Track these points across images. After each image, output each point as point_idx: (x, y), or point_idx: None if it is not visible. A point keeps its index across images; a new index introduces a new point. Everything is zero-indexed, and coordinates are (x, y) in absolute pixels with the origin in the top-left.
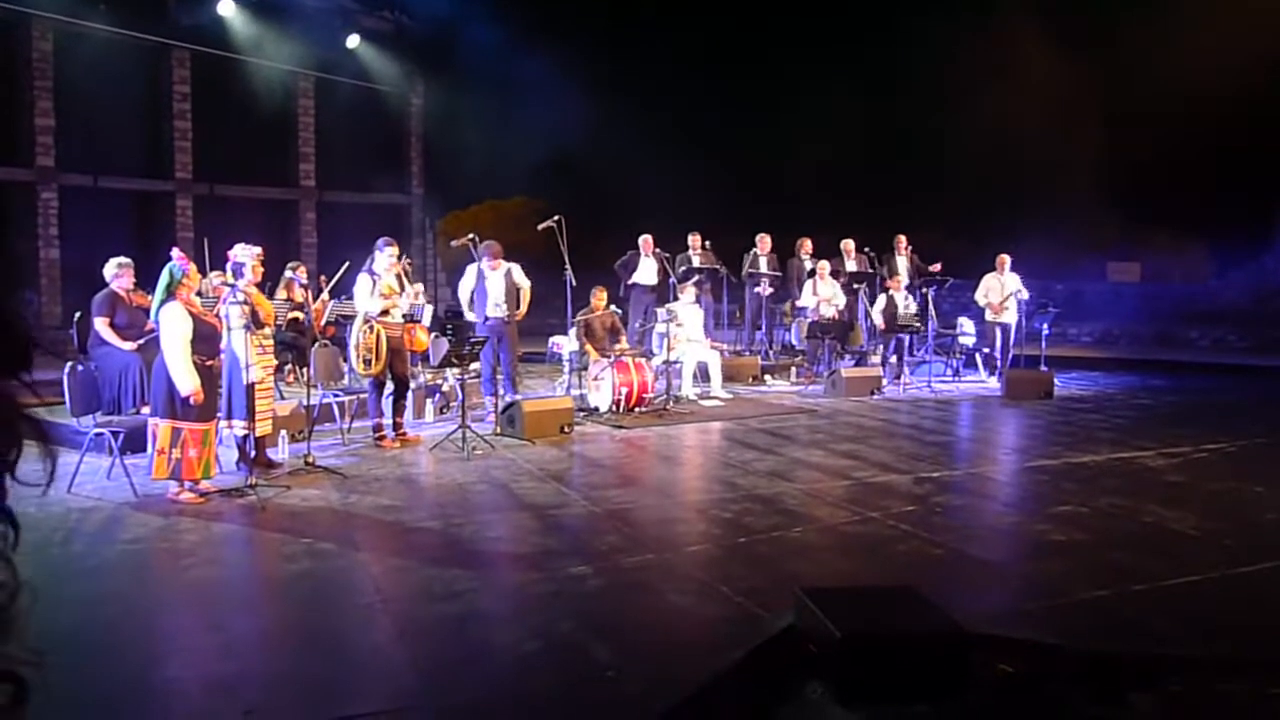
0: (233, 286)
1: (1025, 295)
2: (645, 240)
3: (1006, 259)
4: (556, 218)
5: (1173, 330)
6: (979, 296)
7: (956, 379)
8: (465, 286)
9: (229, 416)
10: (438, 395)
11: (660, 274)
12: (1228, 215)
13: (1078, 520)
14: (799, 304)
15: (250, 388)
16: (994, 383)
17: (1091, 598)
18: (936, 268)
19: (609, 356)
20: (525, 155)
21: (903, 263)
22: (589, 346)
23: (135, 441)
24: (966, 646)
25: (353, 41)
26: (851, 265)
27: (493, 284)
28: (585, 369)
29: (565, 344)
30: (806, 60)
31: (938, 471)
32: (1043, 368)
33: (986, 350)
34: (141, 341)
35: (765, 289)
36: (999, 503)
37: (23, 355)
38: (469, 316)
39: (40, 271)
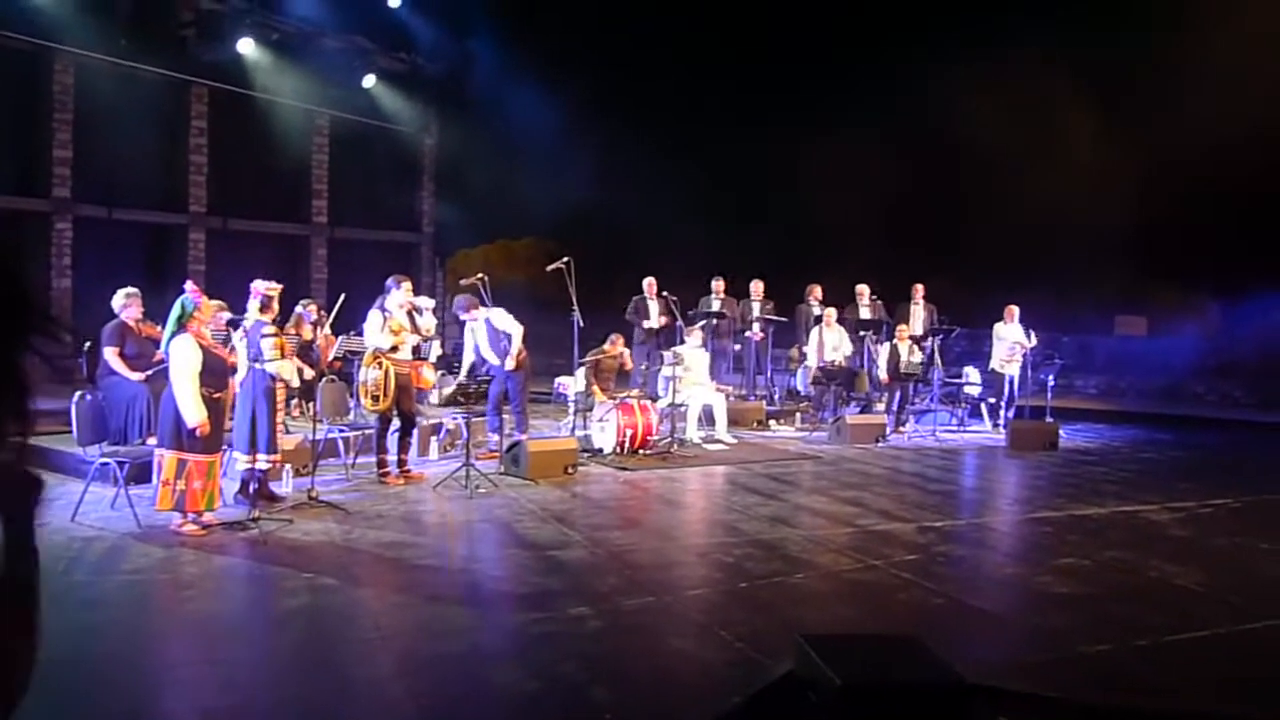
0: (238, 319)
1: (1032, 344)
2: (649, 283)
3: (1015, 310)
4: (565, 259)
5: (1179, 384)
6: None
7: (961, 428)
8: (467, 356)
9: (251, 450)
10: (443, 433)
11: (664, 317)
12: (1236, 270)
13: (1081, 573)
14: (804, 349)
15: (272, 416)
16: (999, 433)
17: (1094, 651)
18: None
19: (615, 399)
20: (537, 196)
21: (918, 311)
22: (595, 387)
23: (140, 472)
24: (967, 697)
25: (368, 81)
26: (865, 311)
27: (478, 334)
28: (590, 409)
29: (571, 384)
30: (825, 109)
31: (941, 521)
32: (1048, 419)
33: (992, 400)
34: (150, 372)
35: (758, 334)
36: (1002, 553)
37: (33, 321)
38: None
39: (52, 301)
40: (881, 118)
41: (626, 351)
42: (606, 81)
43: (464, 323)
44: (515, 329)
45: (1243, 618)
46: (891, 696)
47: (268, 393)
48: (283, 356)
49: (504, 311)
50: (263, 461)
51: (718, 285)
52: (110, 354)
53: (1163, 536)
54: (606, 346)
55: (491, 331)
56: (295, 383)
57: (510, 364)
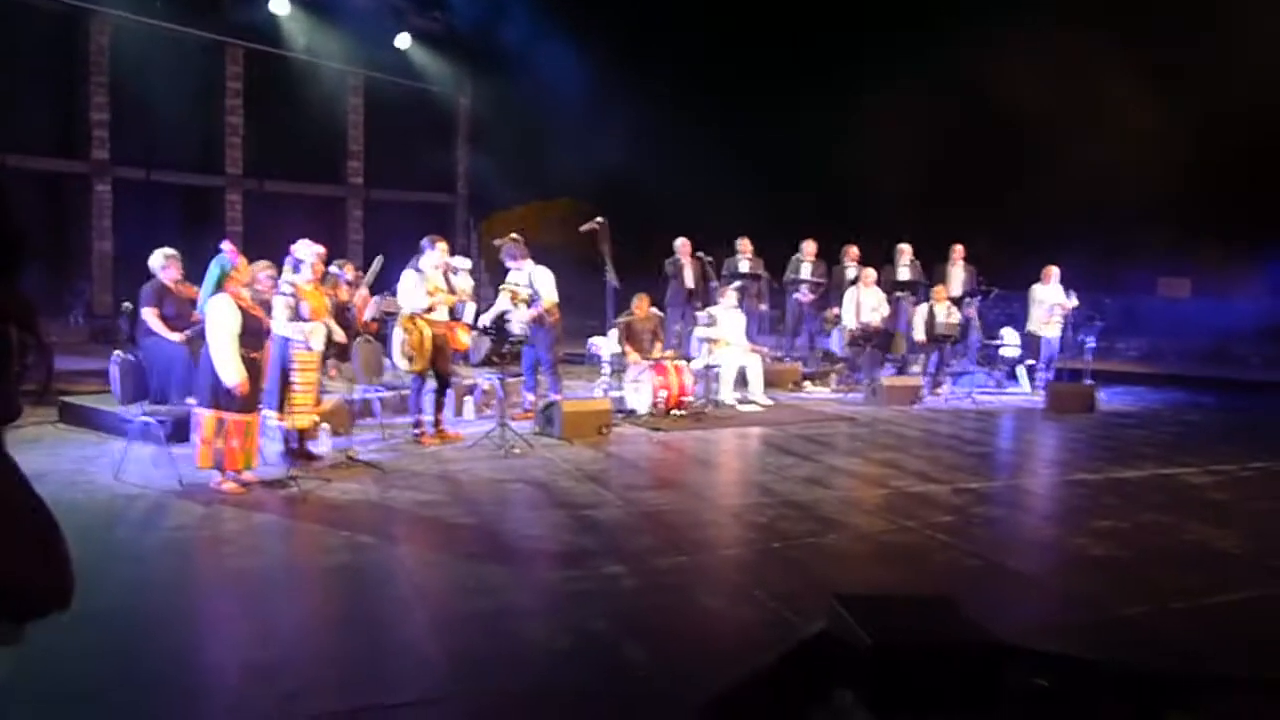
0: (276, 279)
1: (1073, 304)
2: (683, 244)
3: (1054, 270)
4: (600, 220)
5: (1223, 347)
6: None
7: (999, 390)
8: (498, 305)
9: (281, 409)
10: (478, 393)
11: (699, 278)
12: None
13: (1118, 536)
14: (839, 312)
15: (285, 379)
16: (1037, 395)
17: (1130, 614)
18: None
19: (649, 359)
20: (571, 157)
21: (956, 273)
22: (629, 349)
23: (180, 431)
24: (1000, 658)
25: (403, 41)
26: (905, 272)
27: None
28: (624, 371)
29: (604, 345)
30: (863, 68)
31: (976, 482)
32: (1087, 381)
33: (1030, 362)
34: (189, 333)
35: (806, 295)
36: (1038, 516)
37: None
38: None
39: (92, 263)
40: (919, 77)
41: (656, 311)
42: (641, 40)
43: (507, 270)
44: (552, 296)
45: None
46: (924, 657)
47: (286, 354)
48: (309, 319)
49: (548, 273)
50: (274, 419)
51: (743, 244)
52: (150, 314)
53: (1201, 500)
54: (634, 308)
55: (529, 285)
56: (316, 346)
57: (527, 317)
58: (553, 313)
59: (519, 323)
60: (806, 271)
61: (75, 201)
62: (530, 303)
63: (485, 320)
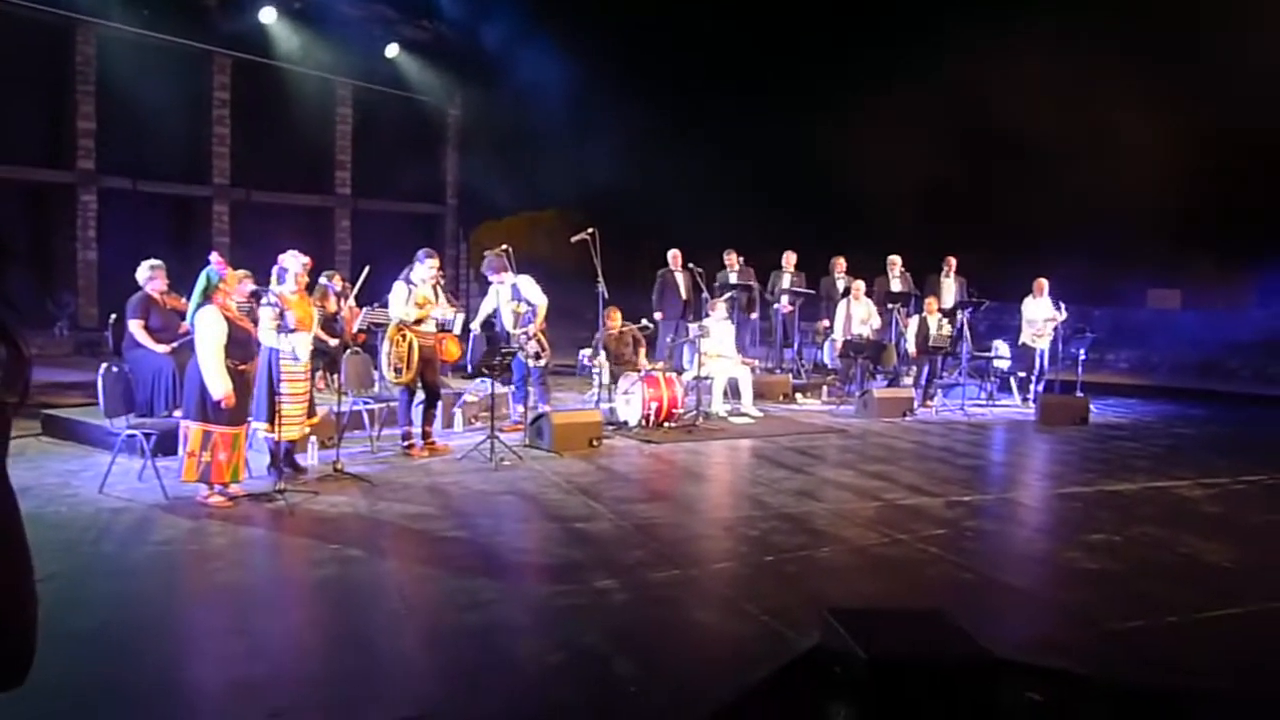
0: (262, 290)
1: (1063, 317)
2: (674, 255)
3: (1044, 283)
4: (590, 230)
5: (1214, 359)
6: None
7: (990, 403)
8: (485, 309)
9: (269, 420)
10: (462, 401)
11: (690, 289)
12: (1273, 242)
13: (1111, 549)
14: (829, 322)
15: (272, 390)
16: (1028, 407)
17: (1123, 628)
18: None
19: (639, 371)
20: (561, 168)
21: (948, 284)
22: (617, 364)
23: (167, 444)
24: (995, 673)
25: (392, 50)
26: (896, 284)
27: (501, 298)
28: (615, 383)
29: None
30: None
31: (969, 495)
32: (1078, 393)
33: (1021, 374)
34: (175, 345)
35: (785, 307)
36: (1030, 529)
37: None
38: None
39: (78, 274)
40: (910, 88)
41: (643, 322)
42: (632, 52)
43: (489, 285)
44: (541, 300)
45: (1276, 595)
46: (918, 671)
47: (270, 364)
48: (294, 329)
49: (532, 281)
50: (263, 430)
51: (730, 258)
52: (135, 326)
53: (1195, 513)
54: (607, 323)
55: (517, 298)
56: (302, 357)
57: (532, 330)
58: (542, 324)
59: (521, 334)
60: (786, 282)
61: (61, 212)
62: (523, 317)
63: (476, 325)
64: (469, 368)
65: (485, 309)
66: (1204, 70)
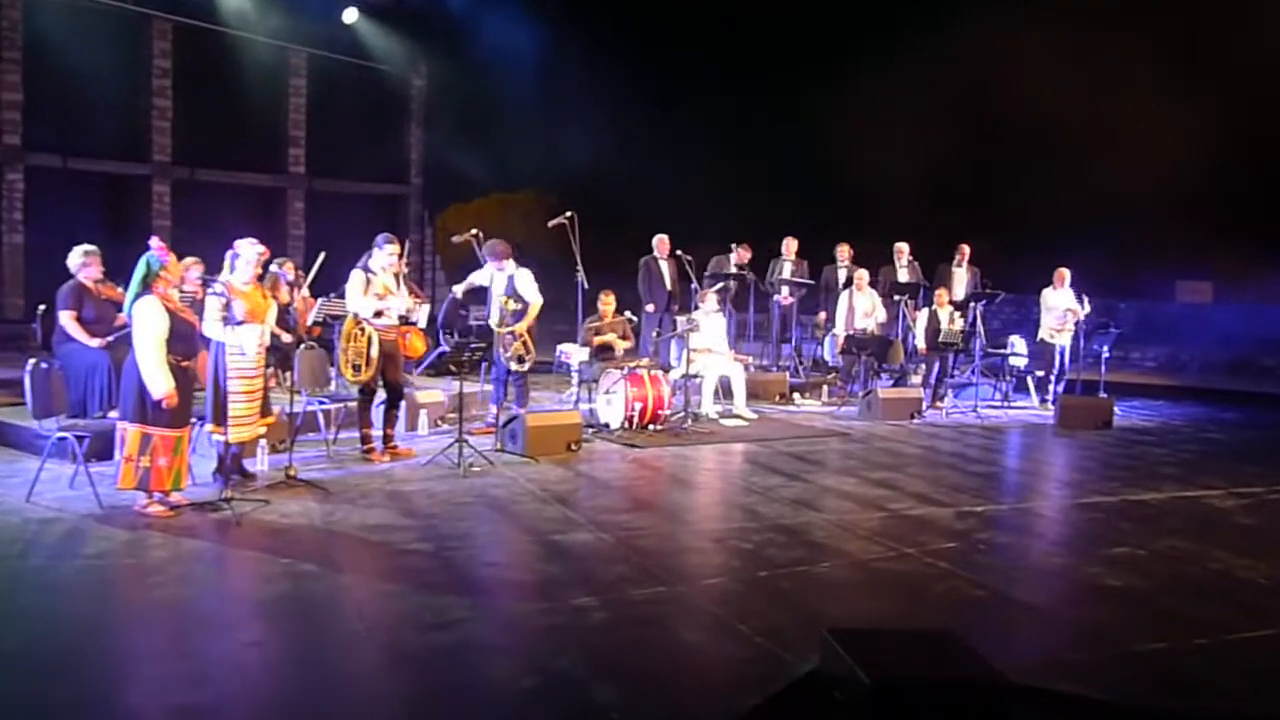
0: (210, 279)
1: (1085, 311)
2: (661, 241)
3: (1065, 273)
4: (568, 214)
5: (1247, 357)
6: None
7: (1005, 404)
8: (475, 279)
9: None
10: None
11: (676, 278)
12: None
13: (1135, 564)
14: (829, 315)
15: (219, 389)
16: (1047, 409)
17: (1147, 650)
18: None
19: (622, 367)
20: (536, 145)
21: (960, 274)
22: (602, 353)
23: (101, 447)
24: (1008, 699)
25: (350, 15)
26: (903, 273)
27: (496, 287)
28: (596, 381)
29: (574, 353)
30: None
31: (981, 505)
32: (1102, 394)
33: (1040, 373)
34: (111, 338)
35: (785, 299)
36: (1048, 542)
37: None
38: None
39: (2, 260)
40: (920, 62)
41: (627, 315)
42: (613, 16)
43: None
44: (536, 299)
45: None
46: (926, 697)
47: (220, 359)
48: (242, 320)
49: (531, 278)
50: (213, 432)
51: (739, 254)
52: (67, 318)
53: (1227, 525)
54: (601, 308)
55: (510, 292)
56: (250, 351)
57: (517, 328)
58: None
59: (507, 334)
60: (787, 272)
61: None
62: (515, 315)
63: (458, 289)
64: (439, 334)
65: (475, 279)
66: (1239, 48)
